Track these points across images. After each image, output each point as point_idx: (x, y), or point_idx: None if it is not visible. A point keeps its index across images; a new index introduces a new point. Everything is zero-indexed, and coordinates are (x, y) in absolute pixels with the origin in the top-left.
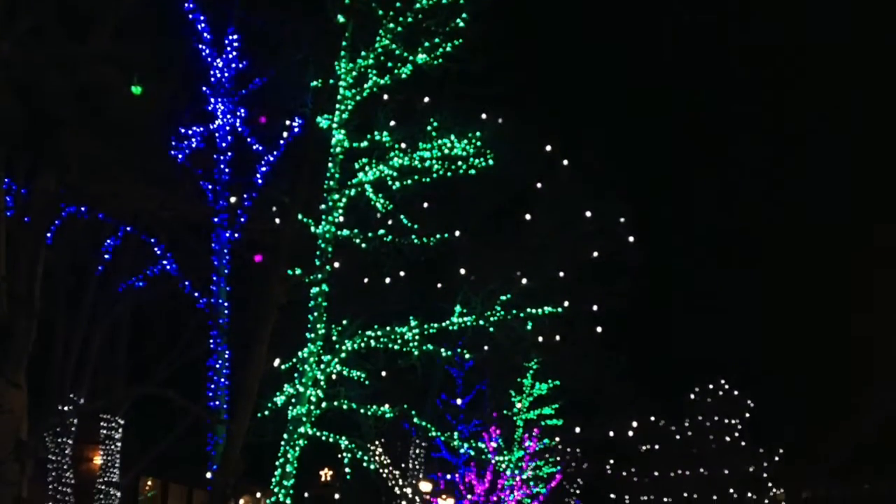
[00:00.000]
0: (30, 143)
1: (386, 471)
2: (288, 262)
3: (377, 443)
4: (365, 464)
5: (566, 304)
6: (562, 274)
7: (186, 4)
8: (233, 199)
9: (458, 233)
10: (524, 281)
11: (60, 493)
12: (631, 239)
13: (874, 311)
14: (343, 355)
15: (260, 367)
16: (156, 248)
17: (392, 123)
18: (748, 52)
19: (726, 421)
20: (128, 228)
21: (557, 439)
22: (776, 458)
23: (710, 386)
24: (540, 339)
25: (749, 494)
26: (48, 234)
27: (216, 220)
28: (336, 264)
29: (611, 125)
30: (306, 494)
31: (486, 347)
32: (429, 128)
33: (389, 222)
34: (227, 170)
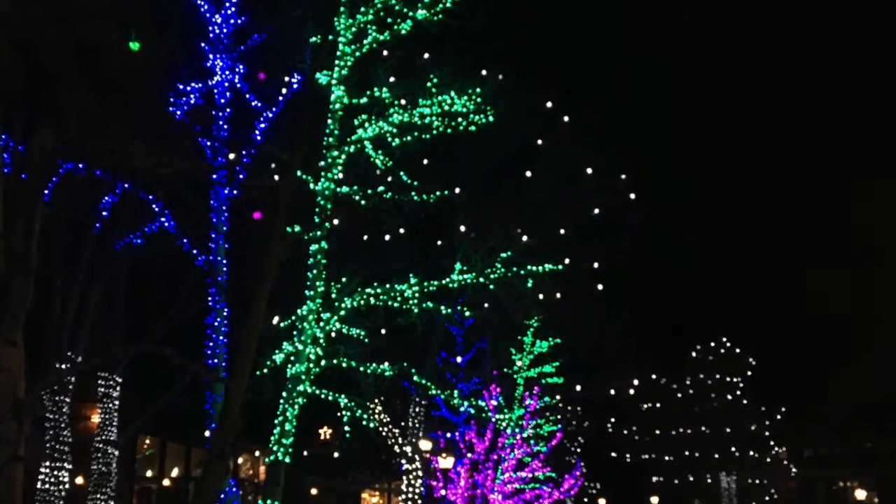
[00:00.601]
0: (27, 99)
1: (385, 429)
2: (287, 219)
3: (376, 401)
4: (364, 422)
5: (567, 261)
6: (562, 231)
7: None
8: (231, 156)
9: (457, 190)
10: (524, 238)
11: (58, 451)
12: (632, 196)
13: (874, 270)
14: (342, 313)
15: (259, 324)
16: (154, 205)
17: (392, 80)
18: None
19: (728, 379)
20: (126, 185)
21: (558, 397)
22: (778, 417)
23: (712, 344)
24: (540, 296)
25: (751, 453)
26: (46, 191)
27: (215, 176)
28: (335, 221)
29: (611, 82)
30: (305, 453)
31: (486, 305)
32: (429, 84)
33: (389, 179)
34: (225, 126)
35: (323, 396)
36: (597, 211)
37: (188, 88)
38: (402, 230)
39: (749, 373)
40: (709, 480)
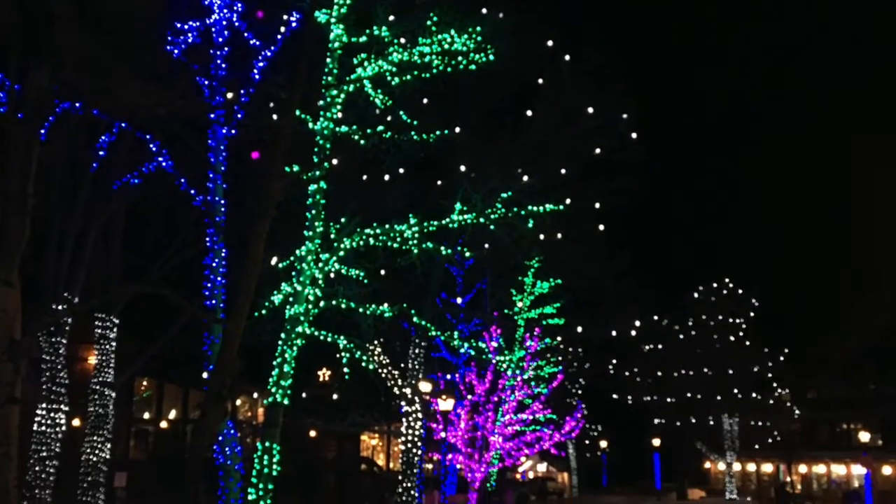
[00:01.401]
0: (23, 38)
1: (385, 371)
2: (285, 159)
3: (376, 342)
4: (363, 364)
5: (568, 201)
6: (563, 171)
7: None
8: (230, 96)
9: (457, 129)
10: (525, 178)
11: (55, 393)
12: (633, 135)
13: (874, 209)
14: (341, 253)
15: (257, 265)
16: (151, 145)
17: (391, 18)
18: None
19: (730, 320)
20: (123, 125)
21: (559, 339)
22: (781, 358)
23: (714, 285)
24: (541, 236)
25: (754, 395)
26: (42, 131)
27: (213, 116)
28: (334, 161)
29: (612, 20)
30: (304, 395)
31: (486, 245)
32: (428, 23)
33: (388, 119)
34: (223, 65)
35: (322, 338)
36: (598, 151)
37: (186, 27)
38: (401, 170)
39: (752, 314)
40: (711, 422)
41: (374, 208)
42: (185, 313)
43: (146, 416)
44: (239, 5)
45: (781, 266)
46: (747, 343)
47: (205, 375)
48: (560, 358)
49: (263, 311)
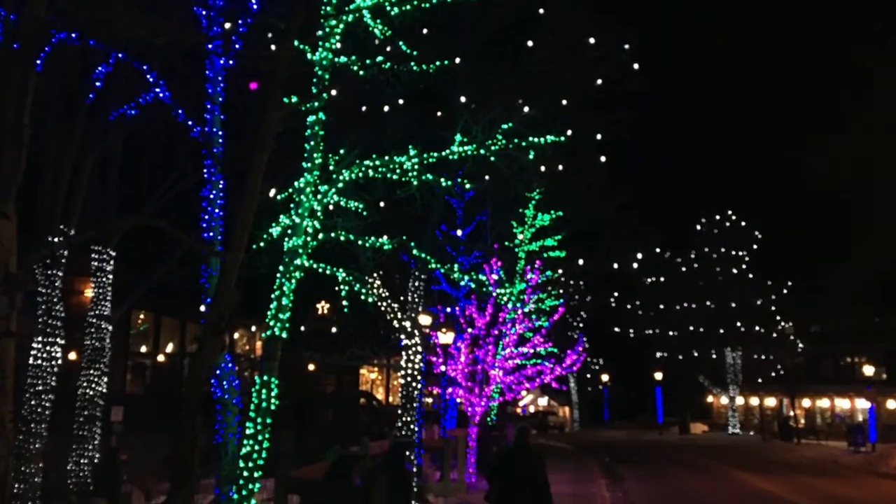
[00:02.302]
0: None
1: (384, 304)
2: (284, 90)
3: (375, 275)
4: (363, 297)
5: (569, 132)
6: (564, 102)
7: None
8: (227, 25)
9: (457, 60)
10: (526, 109)
11: (51, 326)
12: (636, 66)
13: (880, 136)
14: (340, 185)
15: (255, 197)
16: (148, 76)
17: None
18: None
19: (733, 253)
20: (120, 55)
21: (560, 272)
22: (784, 291)
23: (717, 217)
24: (542, 168)
25: (757, 328)
26: (38, 61)
27: (210, 46)
28: (333, 92)
29: None
30: (302, 328)
31: (486, 177)
32: None
33: (388, 49)
34: None
35: (321, 271)
36: (600, 81)
37: None
38: (401, 101)
39: (755, 246)
40: (713, 356)
41: (374, 140)
42: (183, 246)
43: (143, 349)
44: None
45: (786, 197)
46: (750, 276)
47: (202, 308)
48: (561, 291)
49: (261, 244)
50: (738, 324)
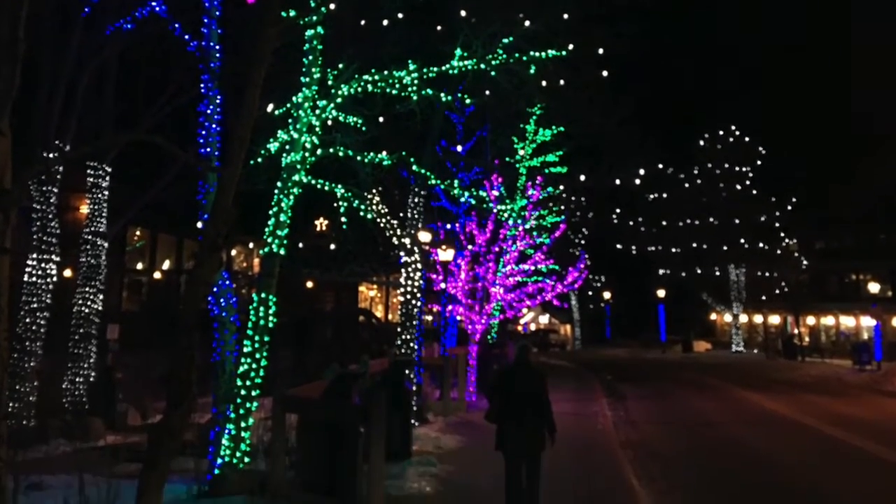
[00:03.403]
0: None
1: (383, 220)
2: (282, 4)
3: (374, 191)
4: (361, 213)
5: (570, 46)
6: (566, 15)
7: None
8: None
9: None
10: (527, 23)
11: (45, 242)
12: None
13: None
14: (339, 100)
15: (253, 112)
16: None
17: None
18: None
19: (737, 168)
20: None
21: (562, 188)
22: (789, 208)
23: (720, 132)
24: (543, 83)
25: (760, 245)
26: None
27: None
28: (332, 6)
29: None
30: (301, 245)
31: (487, 92)
32: None
33: None
34: None
35: (319, 186)
36: None
37: None
38: (400, 15)
39: (759, 162)
40: (717, 273)
41: (373, 54)
42: (179, 161)
43: (139, 266)
44: None
45: (790, 112)
46: (754, 192)
47: (199, 225)
48: (563, 207)
49: (259, 159)
50: (742, 240)
